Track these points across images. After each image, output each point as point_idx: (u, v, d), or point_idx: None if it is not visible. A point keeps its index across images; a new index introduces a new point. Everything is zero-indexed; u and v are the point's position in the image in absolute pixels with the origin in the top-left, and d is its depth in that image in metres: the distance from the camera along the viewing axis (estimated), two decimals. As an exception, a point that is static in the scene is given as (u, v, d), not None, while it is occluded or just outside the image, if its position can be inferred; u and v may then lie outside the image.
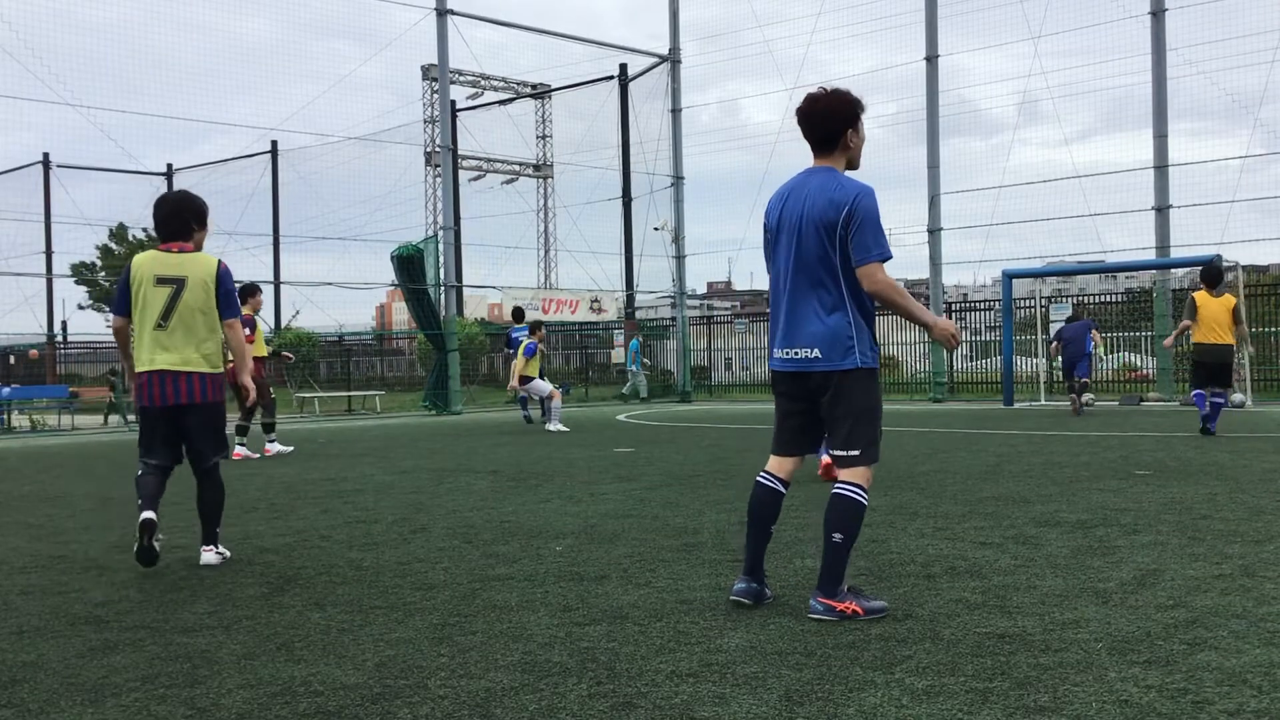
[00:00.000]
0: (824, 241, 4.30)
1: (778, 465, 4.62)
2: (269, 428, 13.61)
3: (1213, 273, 13.75)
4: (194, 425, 5.88)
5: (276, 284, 43.40)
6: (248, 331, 13.15)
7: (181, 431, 5.89)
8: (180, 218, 5.93)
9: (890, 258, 4.25)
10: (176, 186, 47.51)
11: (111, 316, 6.13)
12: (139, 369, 5.85)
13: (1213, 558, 5.27)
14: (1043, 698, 3.24)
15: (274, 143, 44.66)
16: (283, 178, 46.26)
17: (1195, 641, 3.79)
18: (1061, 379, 23.07)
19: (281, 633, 4.27)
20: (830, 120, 4.42)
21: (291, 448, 13.93)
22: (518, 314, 22.05)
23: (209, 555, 5.86)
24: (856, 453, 4.35)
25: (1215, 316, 12.97)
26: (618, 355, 37.27)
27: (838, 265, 4.30)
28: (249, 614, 4.62)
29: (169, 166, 49.01)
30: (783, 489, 4.64)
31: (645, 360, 32.08)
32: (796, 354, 4.38)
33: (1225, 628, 3.96)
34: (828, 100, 4.40)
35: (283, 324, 43.34)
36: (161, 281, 5.81)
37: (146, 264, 5.86)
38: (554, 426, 17.22)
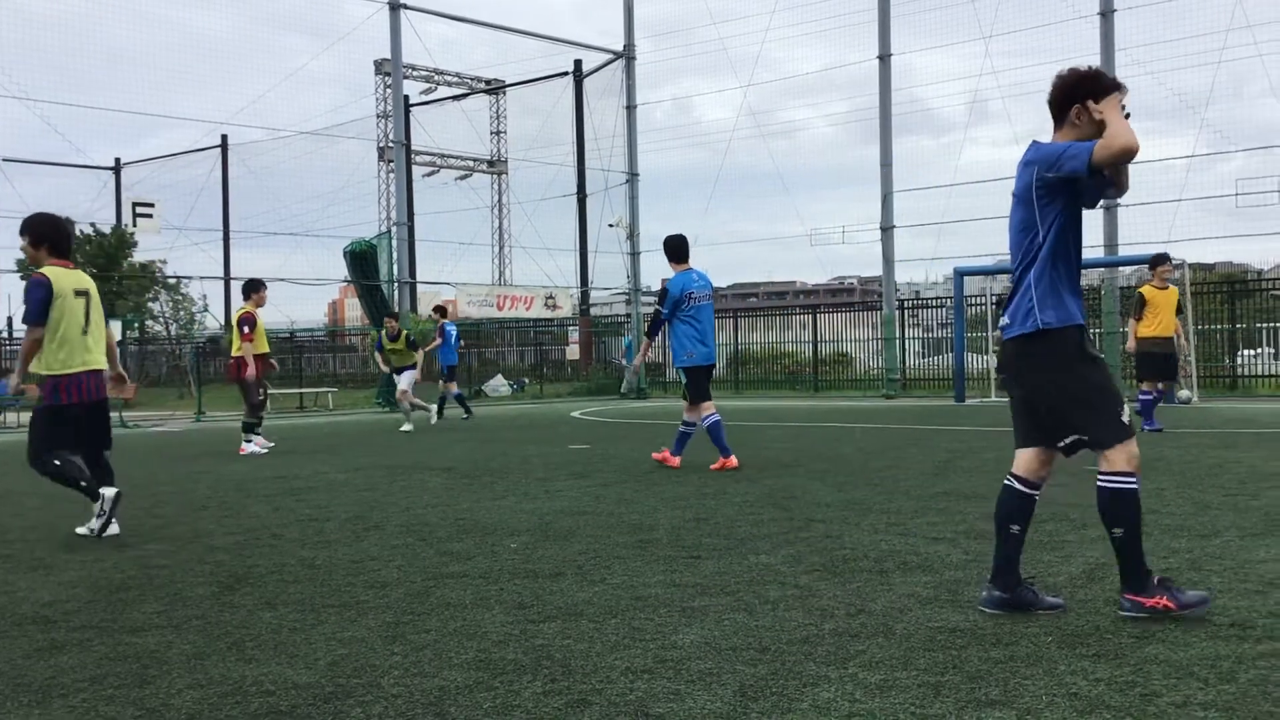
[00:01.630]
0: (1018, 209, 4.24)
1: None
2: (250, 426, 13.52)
3: (1161, 257, 13.80)
4: (103, 417, 6.93)
5: (226, 279, 42.95)
6: (247, 329, 13.23)
7: (95, 424, 6.80)
8: (71, 238, 7.00)
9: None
10: (126, 180, 46.93)
11: (31, 326, 6.70)
12: (72, 370, 6.65)
13: (1160, 552, 5.34)
14: (994, 691, 3.27)
15: (224, 137, 44.20)
16: (233, 172, 45.87)
17: (1143, 635, 3.85)
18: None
19: (232, 632, 4.23)
20: (1055, 95, 4.29)
21: (271, 444, 13.66)
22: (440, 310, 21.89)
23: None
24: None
25: (1167, 309, 13.14)
26: (572, 352, 37.26)
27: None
28: (199, 613, 4.57)
29: (117, 160, 48.38)
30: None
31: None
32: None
33: (1172, 621, 4.01)
34: (1060, 78, 4.27)
35: (233, 319, 42.91)
36: (78, 294, 6.74)
37: (63, 278, 6.71)
38: (406, 427, 16.89)
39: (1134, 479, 4.06)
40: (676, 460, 10.14)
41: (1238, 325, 26.39)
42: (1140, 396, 13.29)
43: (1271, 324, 27.34)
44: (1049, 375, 4.17)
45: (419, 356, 17.52)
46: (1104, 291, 25.96)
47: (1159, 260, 13.52)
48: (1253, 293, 28.46)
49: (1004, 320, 4.32)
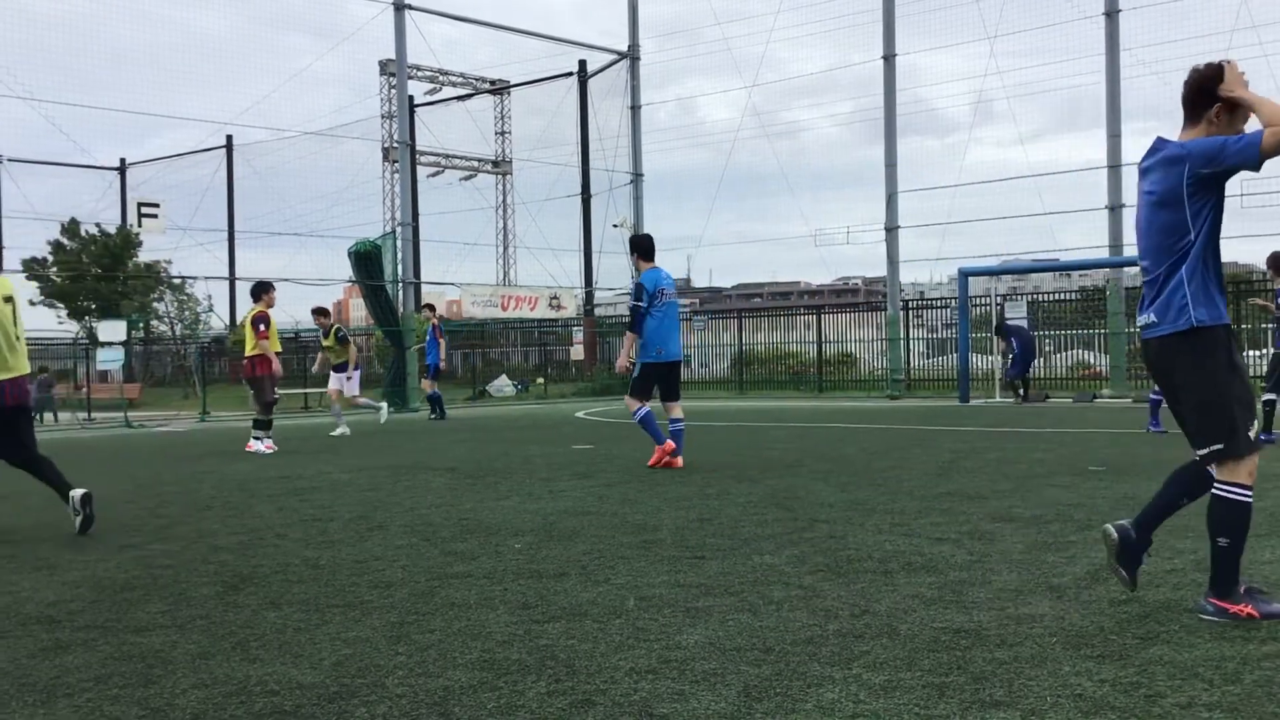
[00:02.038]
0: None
1: None
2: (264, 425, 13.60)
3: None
4: (29, 419, 7.26)
5: (231, 279, 43.02)
6: (263, 327, 13.34)
7: (19, 425, 7.08)
8: None
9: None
10: (130, 181, 47.00)
11: None
12: (3, 377, 6.90)
13: (1164, 553, 5.34)
14: (998, 692, 3.27)
15: (229, 137, 44.28)
16: (238, 172, 45.96)
17: (1148, 636, 3.84)
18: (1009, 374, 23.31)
19: (237, 632, 4.23)
20: (1191, 92, 4.20)
21: (274, 449, 13.60)
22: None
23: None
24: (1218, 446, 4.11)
25: None
26: (576, 352, 37.25)
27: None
28: (203, 613, 4.57)
29: (122, 161, 48.48)
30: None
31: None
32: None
33: (1177, 622, 4.01)
34: (1194, 73, 4.18)
35: (238, 320, 42.96)
36: (6, 300, 6.98)
37: None
38: (338, 431, 16.26)
39: (1250, 493, 4.06)
40: (670, 445, 10.14)
41: (1243, 325, 26.33)
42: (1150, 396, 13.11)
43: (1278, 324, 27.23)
44: (1195, 375, 4.14)
45: (353, 353, 16.76)
46: (1109, 292, 25.94)
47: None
48: (1258, 293, 28.39)
49: (1148, 318, 4.22)
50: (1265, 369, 12.85)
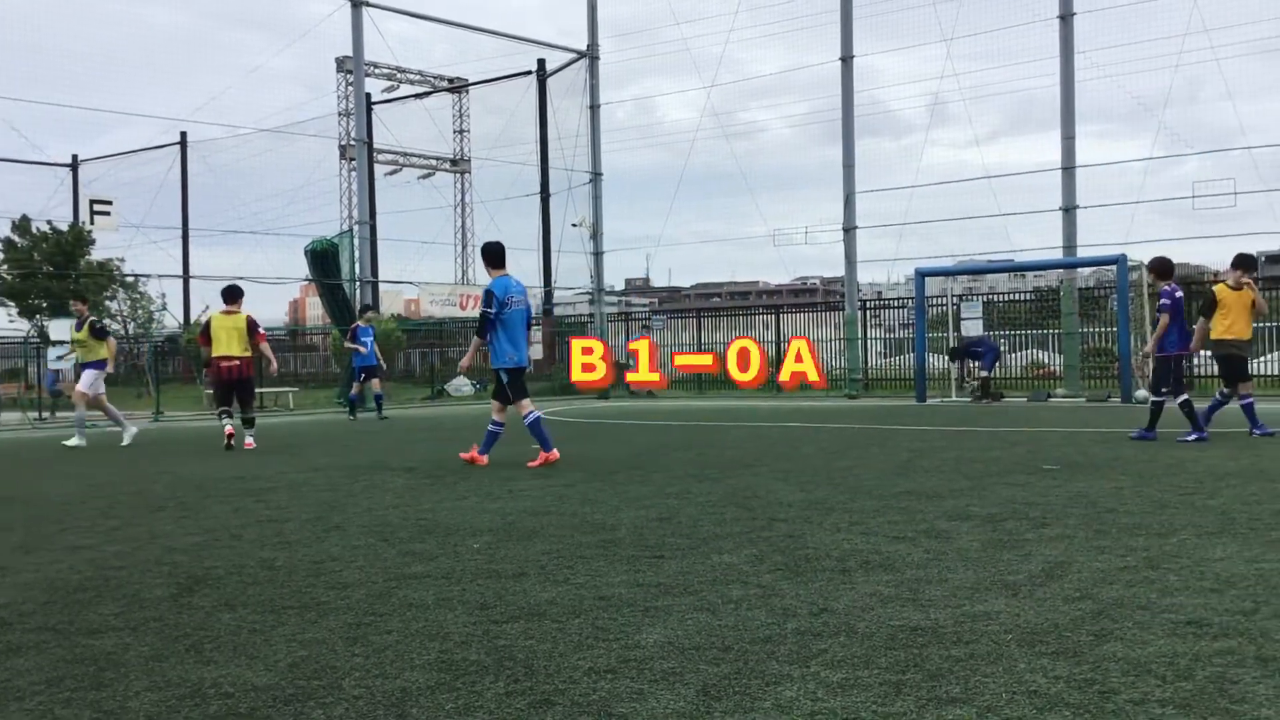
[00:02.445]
0: None
1: None
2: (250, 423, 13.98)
3: (1248, 260, 12.78)
4: None
5: (185, 278, 42.60)
6: (261, 330, 13.61)
7: None
8: None
9: None
10: (83, 178, 46.41)
11: None
12: None
13: (1118, 550, 5.40)
14: (954, 689, 3.29)
15: (183, 134, 43.84)
16: (192, 170, 45.48)
17: (1102, 632, 3.88)
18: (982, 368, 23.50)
19: (191, 634, 4.19)
20: None
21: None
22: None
23: None
24: None
25: (1244, 310, 12.18)
26: (535, 352, 37.15)
27: None
28: (157, 615, 4.52)
29: (74, 158, 47.85)
30: None
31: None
32: None
33: (1130, 619, 4.06)
34: None
35: (191, 319, 42.54)
36: None
37: None
38: (73, 441, 14.44)
39: None
40: (484, 459, 10.63)
41: (1194, 325, 26.67)
42: (1216, 398, 12.71)
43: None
44: None
45: (108, 351, 14.76)
46: (1063, 292, 26.21)
47: (1238, 263, 12.41)
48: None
49: None
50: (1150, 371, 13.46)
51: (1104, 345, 27.39)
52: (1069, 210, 24.90)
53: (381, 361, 21.20)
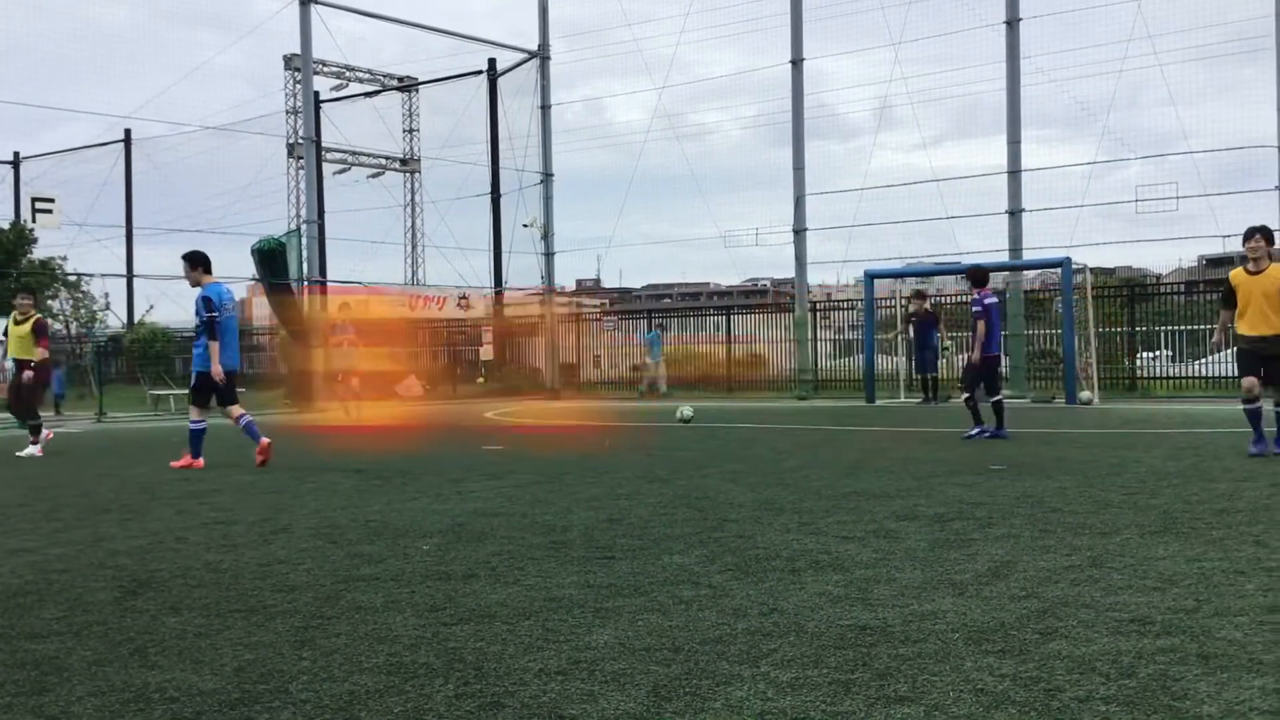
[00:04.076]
0: None
1: None
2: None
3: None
4: None
5: (129, 277, 42.02)
6: (45, 337, 13.25)
7: None
8: None
9: None
10: (25, 175, 45.62)
11: None
12: None
13: (1063, 549, 5.47)
14: (902, 688, 3.32)
15: (127, 131, 43.20)
16: (137, 167, 44.81)
17: (1047, 631, 3.93)
18: (916, 371, 23.64)
19: (135, 638, 4.13)
20: None
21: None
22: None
23: None
24: None
25: (1262, 298, 9.89)
26: (486, 353, 37.02)
27: None
28: (100, 619, 4.45)
29: (16, 155, 47.00)
30: None
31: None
32: None
33: (1075, 617, 4.11)
34: None
35: (135, 318, 41.98)
36: None
37: None
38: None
39: None
40: (200, 461, 11.01)
41: (1137, 328, 27.13)
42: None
43: (1169, 327, 28.15)
44: None
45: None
46: (1008, 295, 26.52)
47: (1248, 235, 10.07)
48: (1151, 297, 29.26)
49: None
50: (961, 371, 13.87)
51: (1049, 347, 27.72)
52: (1014, 214, 25.20)
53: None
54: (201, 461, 11.00)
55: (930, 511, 6.84)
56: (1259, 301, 9.82)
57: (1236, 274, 10.17)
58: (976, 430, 12.71)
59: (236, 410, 11.25)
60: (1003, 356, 15.52)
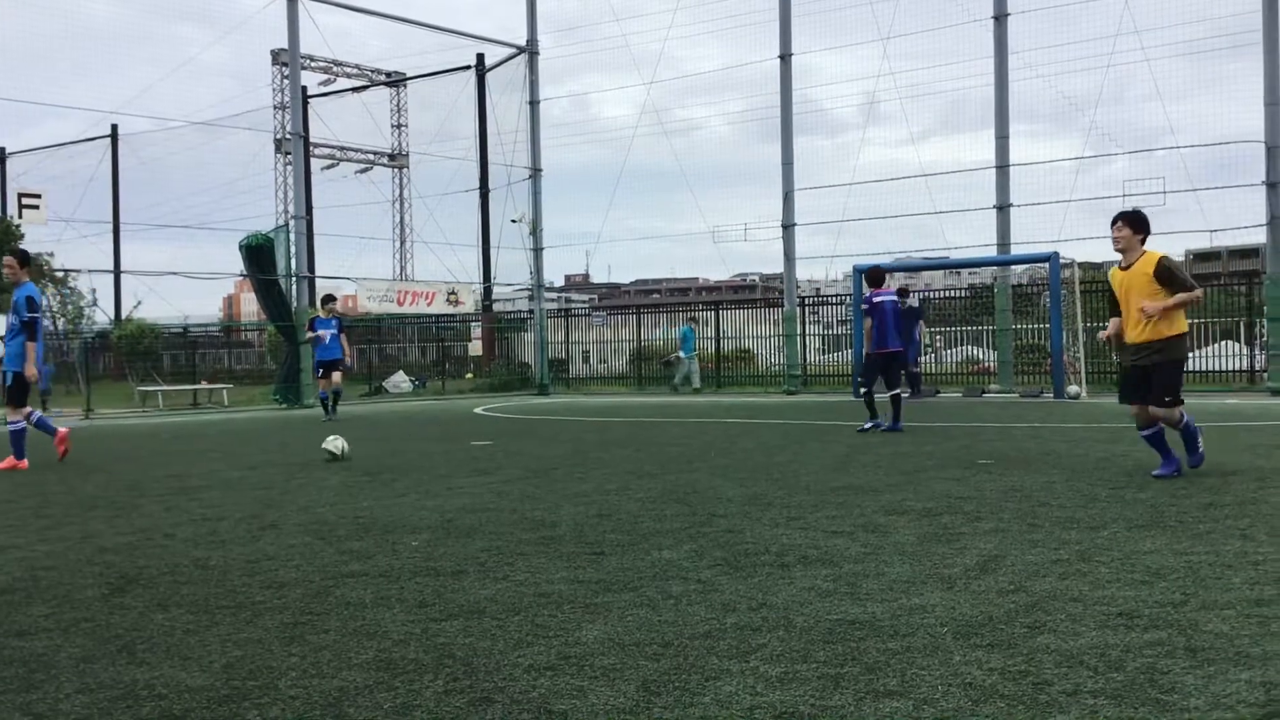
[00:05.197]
0: None
1: None
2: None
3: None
4: None
5: (117, 273, 41.88)
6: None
7: None
8: None
9: None
10: (10, 171, 45.43)
11: None
12: None
13: (1051, 544, 5.49)
14: (891, 682, 3.32)
15: (114, 127, 43.07)
16: (123, 163, 44.69)
17: (1035, 625, 3.94)
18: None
19: (123, 635, 4.12)
20: None
21: None
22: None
23: None
24: None
25: (1134, 294, 8.16)
26: (475, 348, 37.01)
27: None
28: (88, 616, 4.44)
29: (1, 150, 46.82)
30: None
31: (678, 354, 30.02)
32: None
33: (1063, 611, 4.13)
34: None
35: (123, 314, 41.85)
36: None
37: None
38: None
39: None
40: (24, 462, 10.95)
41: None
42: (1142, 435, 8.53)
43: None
44: None
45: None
46: (996, 290, 26.57)
47: (1111, 223, 8.42)
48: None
49: None
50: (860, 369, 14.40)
51: (1037, 342, 27.78)
52: (1002, 208, 25.22)
53: (348, 355, 19.66)
54: (25, 463, 10.88)
55: (918, 506, 6.86)
56: (1135, 300, 8.09)
57: (1112, 274, 8.53)
58: (871, 424, 13.20)
59: (26, 410, 11.21)
60: (908, 351, 15.64)
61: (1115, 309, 8.46)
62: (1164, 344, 8.06)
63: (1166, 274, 7.98)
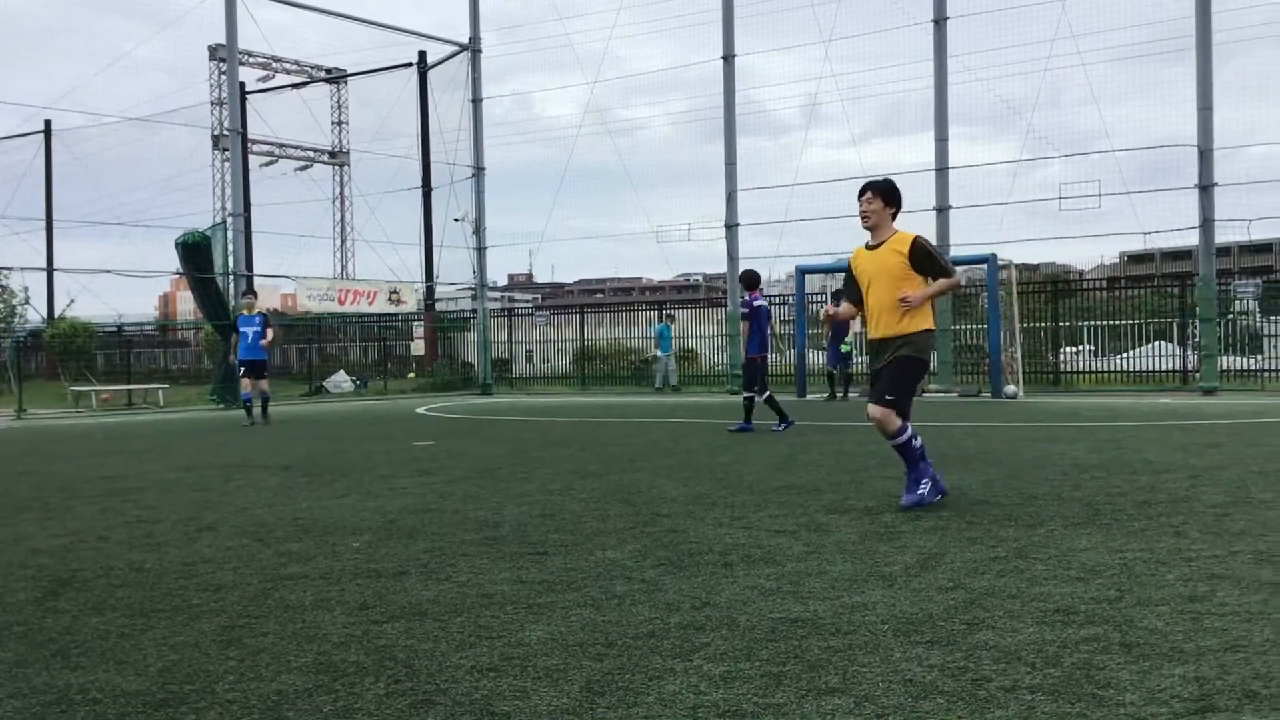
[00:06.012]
0: None
1: None
2: None
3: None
4: None
5: (49, 271, 41.12)
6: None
7: None
8: None
9: None
10: (-63, 165, 44.37)
11: None
12: None
13: (989, 541, 5.55)
14: (833, 679, 3.34)
15: (47, 122, 42.28)
16: (57, 159, 43.86)
17: (974, 621, 3.98)
18: (828, 364, 23.68)
19: (56, 638, 4.04)
20: None
21: None
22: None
23: None
24: None
25: (883, 278, 6.99)
26: (417, 347, 36.74)
27: None
28: (20, 619, 4.35)
29: (-71, 145, 45.71)
30: None
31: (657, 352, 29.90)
32: None
33: (1001, 608, 4.18)
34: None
35: (56, 313, 41.06)
36: None
37: None
38: None
39: None
40: None
41: (1060, 324, 27.63)
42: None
43: (1092, 322, 28.70)
44: None
45: None
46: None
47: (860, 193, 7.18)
48: (1074, 292, 29.79)
49: None
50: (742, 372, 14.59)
51: (975, 342, 28.13)
52: (942, 210, 25.50)
53: (270, 354, 18.82)
54: None
55: (860, 505, 6.91)
56: (883, 285, 6.91)
57: (856, 253, 7.25)
58: (783, 425, 13.51)
59: None
60: (769, 357, 15.54)
61: (853, 293, 7.21)
62: (906, 340, 6.84)
63: (925, 256, 6.82)
